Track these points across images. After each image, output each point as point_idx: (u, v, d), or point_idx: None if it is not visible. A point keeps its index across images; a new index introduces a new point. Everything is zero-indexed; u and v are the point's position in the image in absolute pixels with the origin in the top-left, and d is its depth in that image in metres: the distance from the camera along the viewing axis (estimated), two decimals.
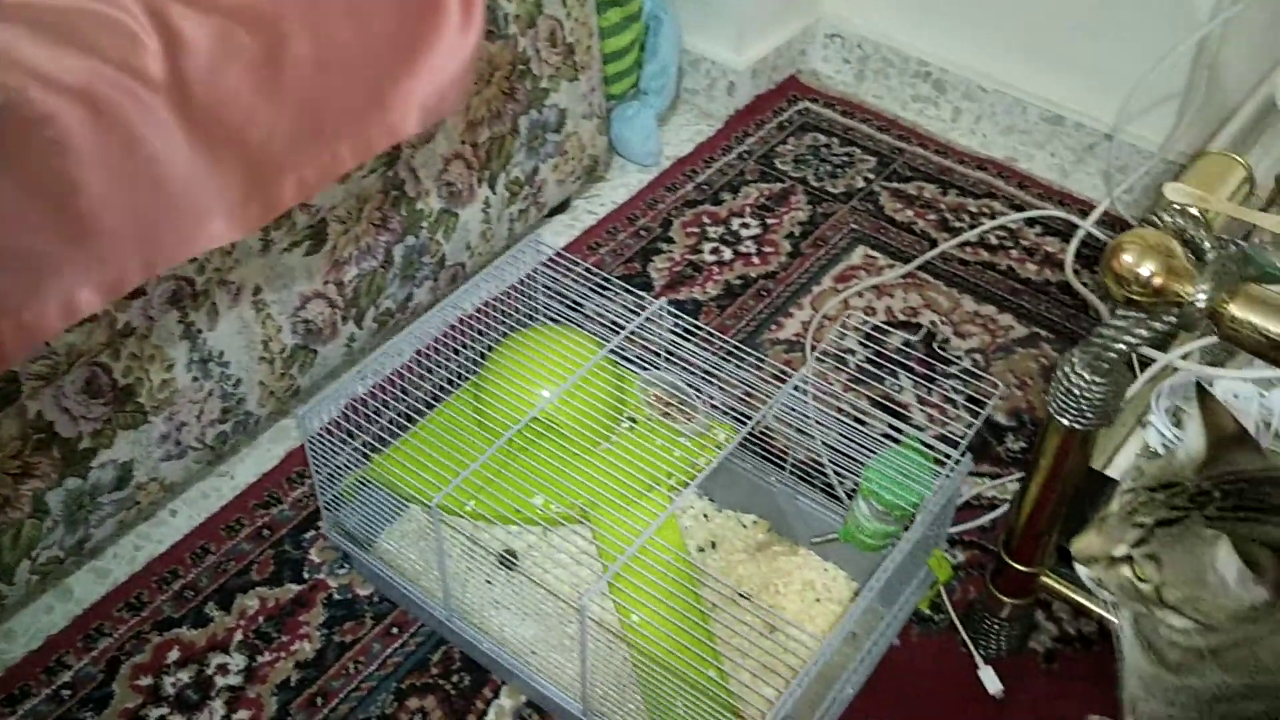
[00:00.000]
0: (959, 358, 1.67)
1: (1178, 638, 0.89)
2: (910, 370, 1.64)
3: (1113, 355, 1.04)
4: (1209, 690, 0.90)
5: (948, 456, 1.23)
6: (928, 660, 1.34)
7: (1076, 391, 1.06)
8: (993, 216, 1.90)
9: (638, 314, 1.34)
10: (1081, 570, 0.93)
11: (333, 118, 1.22)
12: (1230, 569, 0.80)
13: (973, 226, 1.88)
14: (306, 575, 1.40)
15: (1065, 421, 1.08)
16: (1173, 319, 0.97)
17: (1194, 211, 0.99)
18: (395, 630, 1.35)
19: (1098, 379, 1.05)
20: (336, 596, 1.38)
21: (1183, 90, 1.81)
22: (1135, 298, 0.97)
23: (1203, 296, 0.93)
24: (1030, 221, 1.89)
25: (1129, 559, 0.88)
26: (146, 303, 1.25)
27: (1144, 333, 1.01)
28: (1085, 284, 1.77)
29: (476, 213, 1.66)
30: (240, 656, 1.32)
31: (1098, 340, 1.04)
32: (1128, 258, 0.96)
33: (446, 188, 1.58)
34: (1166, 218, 0.99)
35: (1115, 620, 1.06)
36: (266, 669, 1.31)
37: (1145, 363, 1.36)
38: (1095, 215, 1.82)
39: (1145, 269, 0.95)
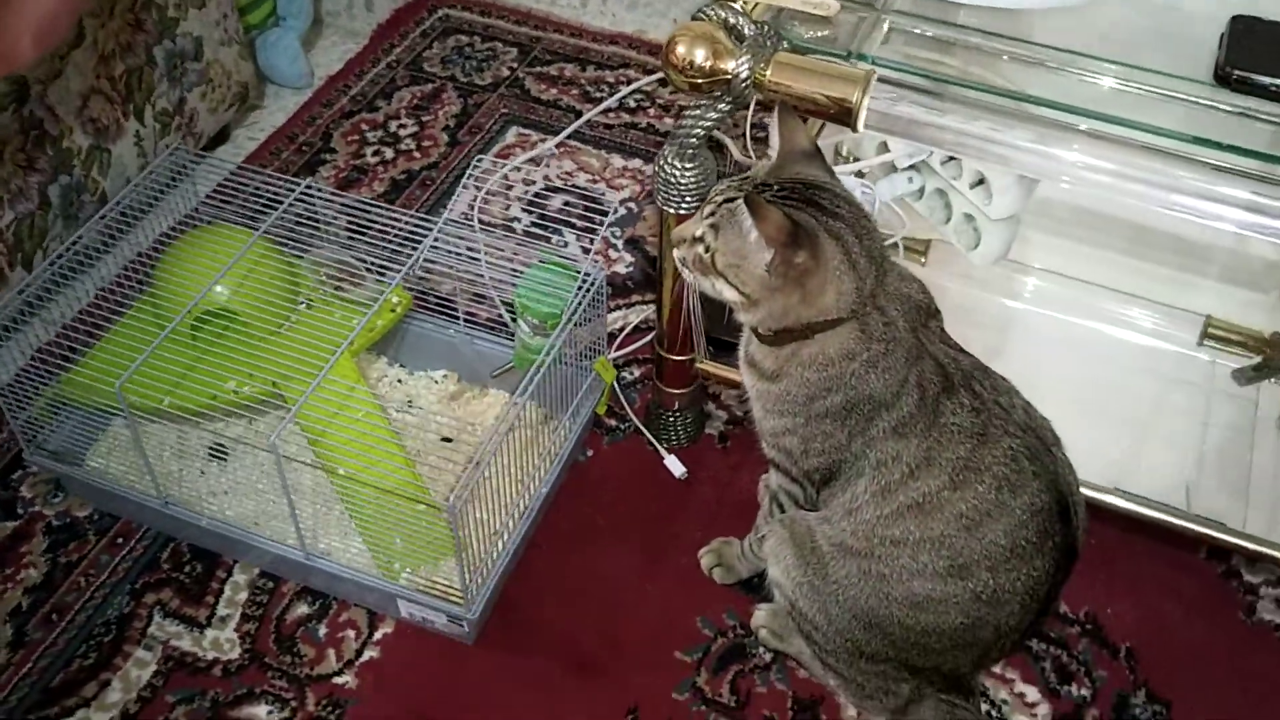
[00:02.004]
0: (615, 208, 1.83)
1: (742, 317, 1.06)
2: (570, 224, 1.79)
3: (694, 141, 1.21)
4: (801, 391, 1.07)
5: (581, 268, 1.38)
6: (620, 463, 1.50)
7: (672, 180, 1.23)
8: (629, 83, 2.07)
9: (296, 204, 1.42)
10: (675, 254, 1.10)
11: None
12: (745, 224, 0.98)
13: (612, 94, 2.04)
14: (20, 511, 1.43)
15: (671, 210, 1.25)
16: (729, 97, 1.14)
17: (734, 4, 1.17)
18: (120, 540, 1.41)
19: (687, 165, 1.22)
20: (55, 523, 1.42)
21: None
22: (695, 81, 1.13)
23: (745, 68, 1.11)
24: (663, 82, 2.07)
25: (703, 237, 1.05)
26: None
27: (714, 115, 1.18)
28: None
29: (130, 147, 1.69)
30: None
31: (680, 131, 1.20)
32: (680, 49, 1.12)
33: (91, 124, 1.61)
34: (710, 11, 1.16)
35: None
36: None
37: None
38: None
39: (696, 54, 1.12)
